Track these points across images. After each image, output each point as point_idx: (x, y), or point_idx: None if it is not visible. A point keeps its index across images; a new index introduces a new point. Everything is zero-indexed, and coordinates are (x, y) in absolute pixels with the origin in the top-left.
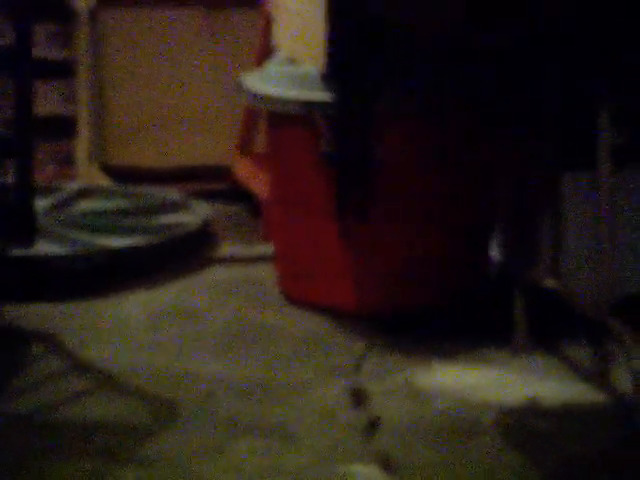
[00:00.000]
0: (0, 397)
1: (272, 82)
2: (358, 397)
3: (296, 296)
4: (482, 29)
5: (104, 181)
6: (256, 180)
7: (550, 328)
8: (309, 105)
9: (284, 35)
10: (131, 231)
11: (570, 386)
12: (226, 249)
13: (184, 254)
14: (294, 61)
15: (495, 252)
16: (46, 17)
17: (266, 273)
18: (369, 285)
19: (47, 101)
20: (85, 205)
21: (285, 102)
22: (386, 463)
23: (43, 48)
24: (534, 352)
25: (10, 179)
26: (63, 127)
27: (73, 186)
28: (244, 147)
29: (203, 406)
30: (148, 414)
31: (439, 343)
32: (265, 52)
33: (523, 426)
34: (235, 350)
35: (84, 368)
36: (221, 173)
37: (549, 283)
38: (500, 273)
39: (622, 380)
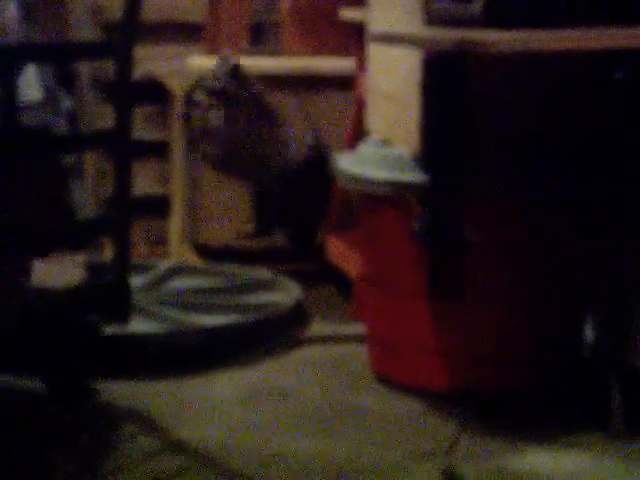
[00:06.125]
0: (94, 477)
1: (365, 163)
2: None
3: (388, 376)
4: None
5: (196, 260)
6: (347, 260)
7: None
8: (402, 186)
9: (376, 117)
10: (223, 310)
11: None
12: (317, 328)
13: (275, 333)
14: (387, 143)
15: (589, 333)
16: (144, 99)
17: (357, 353)
18: (461, 366)
19: (141, 180)
20: (178, 283)
21: (378, 183)
22: None
23: (140, 129)
24: (632, 438)
25: (107, 257)
26: (157, 207)
27: (166, 264)
28: (335, 227)
29: None
30: None
31: (532, 425)
32: (357, 133)
33: None
34: (327, 431)
35: (177, 447)
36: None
37: None
38: (595, 354)
39: None
